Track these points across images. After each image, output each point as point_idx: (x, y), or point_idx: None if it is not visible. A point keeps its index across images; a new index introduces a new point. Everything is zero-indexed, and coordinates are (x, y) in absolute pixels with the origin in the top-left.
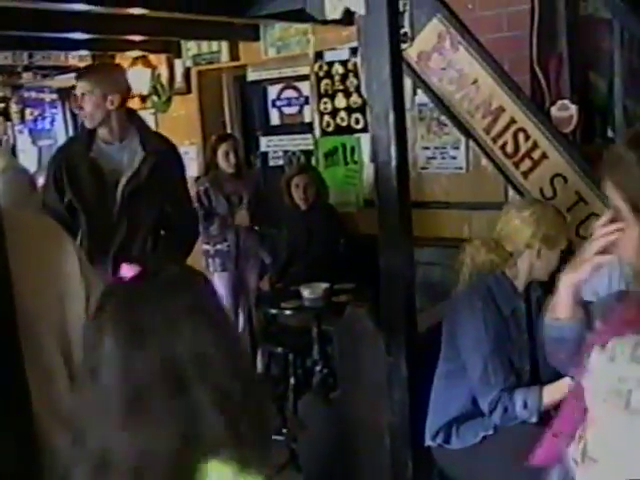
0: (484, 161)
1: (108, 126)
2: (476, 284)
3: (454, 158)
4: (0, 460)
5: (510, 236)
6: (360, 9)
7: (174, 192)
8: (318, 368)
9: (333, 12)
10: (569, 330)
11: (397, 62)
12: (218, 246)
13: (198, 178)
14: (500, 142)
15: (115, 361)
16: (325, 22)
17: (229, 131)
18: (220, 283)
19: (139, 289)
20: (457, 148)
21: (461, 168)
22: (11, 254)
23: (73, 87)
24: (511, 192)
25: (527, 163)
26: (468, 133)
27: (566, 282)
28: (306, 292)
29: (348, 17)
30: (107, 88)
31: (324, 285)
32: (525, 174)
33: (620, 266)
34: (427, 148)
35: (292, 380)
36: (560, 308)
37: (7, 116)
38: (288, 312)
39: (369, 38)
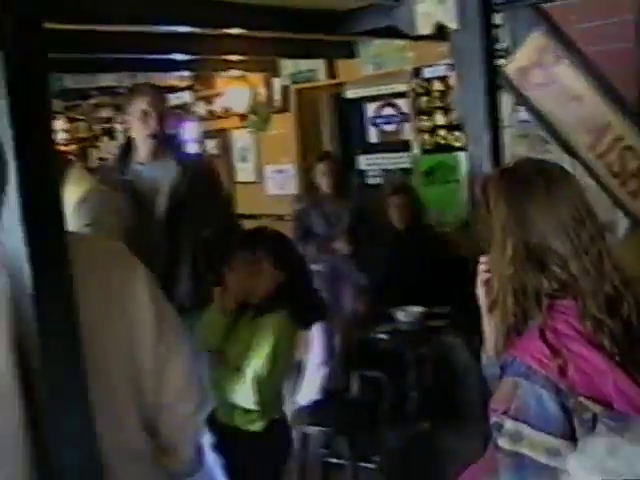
0: (588, 180)
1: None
2: None
3: None
4: None
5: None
6: (452, 24)
7: (216, 214)
8: (412, 394)
9: (424, 27)
10: None
11: (492, 78)
12: (313, 266)
13: (297, 197)
14: (605, 160)
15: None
16: (419, 38)
17: (327, 149)
18: None
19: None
20: None
21: None
22: (79, 283)
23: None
24: (619, 213)
25: (635, 183)
26: (570, 151)
27: (484, 318)
28: (401, 315)
29: (443, 32)
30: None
31: (419, 309)
32: (634, 194)
33: None
34: None
35: (385, 405)
36: (489, 344)
37: (112, 135)
38: (382, 335)
39: (462, 54)
